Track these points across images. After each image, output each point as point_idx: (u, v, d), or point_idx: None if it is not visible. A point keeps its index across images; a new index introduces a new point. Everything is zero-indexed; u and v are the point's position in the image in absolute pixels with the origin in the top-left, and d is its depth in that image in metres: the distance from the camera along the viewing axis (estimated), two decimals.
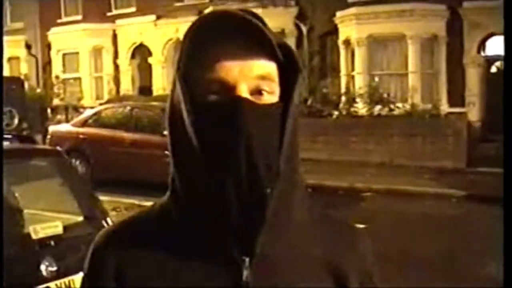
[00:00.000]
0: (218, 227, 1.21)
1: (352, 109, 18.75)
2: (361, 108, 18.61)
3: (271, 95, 1.24)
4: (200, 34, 1.20)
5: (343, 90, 19.77)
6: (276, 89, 1.25)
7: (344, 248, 1.36)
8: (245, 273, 1.22)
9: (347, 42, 20.21)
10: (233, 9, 1.22)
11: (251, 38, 1.20)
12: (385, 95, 18.77)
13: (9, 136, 5.63)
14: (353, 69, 20.18)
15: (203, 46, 1.20)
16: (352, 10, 19.67)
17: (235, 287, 1.22)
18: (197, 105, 1.21)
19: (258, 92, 1.22)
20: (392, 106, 18.45)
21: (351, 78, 20.18)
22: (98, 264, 1.30)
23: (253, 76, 1.21)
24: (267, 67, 1.23)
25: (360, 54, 19.75)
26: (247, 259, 1.22)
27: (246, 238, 1.21)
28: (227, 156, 1.18)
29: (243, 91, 1.20)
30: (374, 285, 1.40)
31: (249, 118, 1.18)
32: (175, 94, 1.26)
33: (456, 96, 18.84)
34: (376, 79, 19.46)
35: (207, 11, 19.81)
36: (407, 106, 18.40)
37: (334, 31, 20.54)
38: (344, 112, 18.83)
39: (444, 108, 18.48)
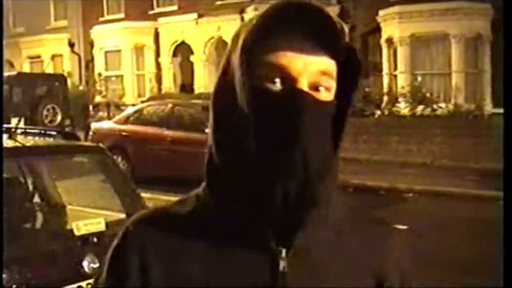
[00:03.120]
0: (260, 220, 1.22)
1: (394, 109, 18.61)
2: (403, 107, 18.46)
3: (328, 92, 1.23)
4: (273, 18, 1.18)
5: (385, 89, 19.61)
6: (333, 87, 1.25)
7: (384, 247, 1.37)
8: (282, 263, 1.23)
9: (389, 41, 20.05)
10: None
11: (321, 33, 1.20)
12: (428, 95, 18.60)
13: (53, 133, 5.67)
14: (395, 68, 20.02)
15: (274, 31, 1.19)
16: (395, 8, 19.50)
17: (272, 277, 1.23)
18: (256, 94, 1.20)
19: (315, 87, 1.21)
20: (435, 106, 18.26)
21: (393, 77, 20.02)
22: (124, 255, 1.28)
23: (314, 71, 1.21)
24: (328, 65, 1.23)
25: (402, 53, 19.58)
26: (284, 250, 1.23)
27: (286, 231, 1.22)
28: (284, 150, 1.18)
29: (304, 84, 1.20)
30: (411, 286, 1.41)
31: (309, 114, 1.18)
32: (227, 80, 1.25)
33: (501, 96, 18.54)
34: (419, 78, 19.27)
35: (248, 9, 19.69)
36: (450, 106, 18.19)
37: (377, 29, 20.41)
38: (386, 112, 18.69)
39: (488, 108, 18.22)
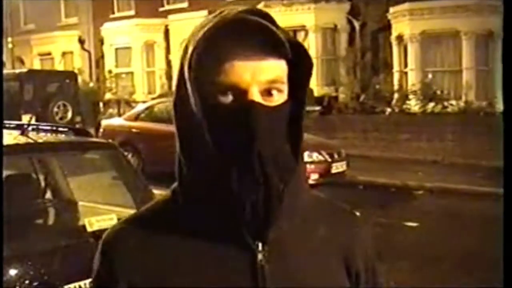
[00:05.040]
0: (231, 217, 1.27)
1: (405, 106, 18.59)
2: (414, 105, 18.42)
3: (280, 94, 1.29)
4: (212, 37, 1.23)
5: (395, 86, 19.58)
6: (285, 88, 1.30)
7: (348, 231, 1.46)
8: (260, 256, 1.29)
9: (400, 38, 20.00)
10: (242, 13, 1.26)
11: (261, 39, 1.24)
12: (438, 92, 18.56)
13: (65, 129, 5.68)
14: (406, 66, 19.97)
15: (215, 49, 1.23)
16: (405, 5, 19.45)
17: (251, 271, 1.28)
18: (209, 107, 1.25)
19: (267, 92, 1.26)
20: (445, 103, 18.22)
21: (404, 74, 19.98)
22: (108, 263, 1.35)
23: (264, 80, 1.25)
24: (277, 69, 1.27)
25: (413, 50, 19.53)
26: (260, 244, 1.29)
27: (259, 226, 1.27)
28: (241, 159, 1.24)
29: (255, 94, 1.24)
30: (376, 273, 1.50)
31: (261, 122, 1.23)
32: (182, 91, 1.30)
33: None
34: (430, 75, 19.22)
35: (259, 6, 19.69)
36: (461, 104, 18.15)
37: (387, 27, 20.36)
38: (396, 109, 18.67)
39: (500, 105, 18.15)
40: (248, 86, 1.23)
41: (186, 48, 1.29)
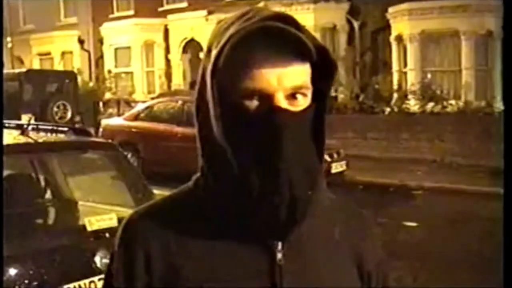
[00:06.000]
0: (253, 216, 1.27)
1: (404, 106, 18.57)
2: (413, 105, 18.41)
3: (305, 98, 1.29)
4: (238, 45, 1.22)
5: (395, 86, 19.57)
6: (310, 92, 1.30)
7: (361, 232, 1.48)
8: (279, 255, 1.30)
9: (399, 38, 19.99)
10: (267, 20, 1.24)
11: (287, 46, 1.23)
12: (437, 92, 18.53)
13: (65, 129, 5.69)
14: (405, 66, 19.96)
15: (241, 56, 1.23)
16: (405, 5, 19.44)
17: (270, 270, 1.29)
18: (231, 111, 1.25)
19: (293, 96, 1.27)
20: (445, 103, 18.20)
21: (403, 74, 19.96)
22: (128, 252, 1.33)
23: (290, 86, 1.25)
24: (303, 74, 1.27)
25: (412, 50, 19.52)
26: (279, 243, 1.30)
27: (280, 226, 1.28)
28: (265, 167, 1.24)
29: (281, 100, 1.24)
30: (387, 275, 1.53)
31: (287, 128, 1.23)
32: (206, 93, 1.30)
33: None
34: (429, 75, 19.20)
35: (259, 6, 19.66)
36: (460, 104, 18.14)
37: (387, 26, 20.34)
38: (396, 109, 18.66)
39: (499, 105, 18.16)
40: (274, 91, 1.23)
41: (209, 50, 1.31)
